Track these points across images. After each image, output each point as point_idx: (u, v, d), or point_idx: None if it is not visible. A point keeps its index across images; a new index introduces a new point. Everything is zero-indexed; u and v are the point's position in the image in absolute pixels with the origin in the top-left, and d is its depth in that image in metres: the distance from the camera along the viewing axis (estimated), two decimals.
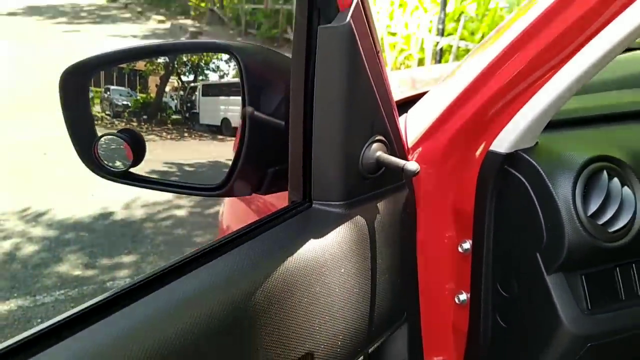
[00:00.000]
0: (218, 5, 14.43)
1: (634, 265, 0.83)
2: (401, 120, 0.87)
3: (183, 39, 9.63)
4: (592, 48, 0.65)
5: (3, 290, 2.97)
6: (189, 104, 0.85)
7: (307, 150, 0.67)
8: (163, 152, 0.89)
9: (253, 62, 0.69)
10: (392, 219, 0.75)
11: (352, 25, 0.61)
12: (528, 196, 0.77)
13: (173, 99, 0.87)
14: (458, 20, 7.12)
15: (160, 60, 0.91)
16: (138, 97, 0.89)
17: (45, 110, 6.29)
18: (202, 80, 0.87)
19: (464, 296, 0.90)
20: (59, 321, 0.45)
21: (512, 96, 0.74)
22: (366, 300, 0.69)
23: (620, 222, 0.77)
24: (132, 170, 0.82)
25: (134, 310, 0.48)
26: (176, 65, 0.89)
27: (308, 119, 0.66)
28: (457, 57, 6.67)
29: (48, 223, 3.68)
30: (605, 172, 0.77)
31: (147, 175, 0.83)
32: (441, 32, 6.78)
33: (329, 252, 0.63)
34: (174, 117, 0.87)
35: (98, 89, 0.86)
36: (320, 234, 0.63)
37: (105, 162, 0.82)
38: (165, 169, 0.89)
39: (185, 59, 0.90)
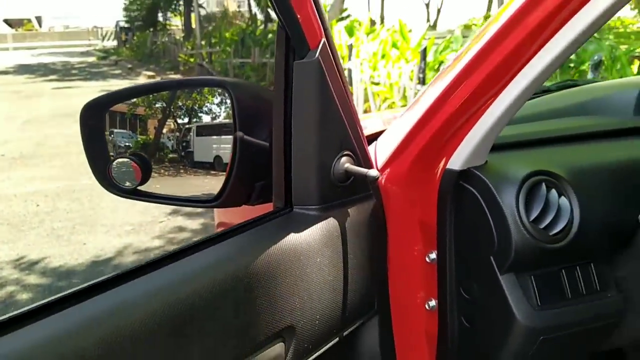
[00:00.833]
0: (207, 60, 14.86)
1: (578, 267, 0.95)
2: (372, 148, 1.00)
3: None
4: (523, 77, 0.79)
5: None
6: (184, 144, 0.97)
7: (288, 164, 0.81)
8: (162, 187, 1.00)
9: (243, 94, 0.82)
10: (361, 222, 0.87)
11: (320, 60, 0.77)
12: (480, 207, 0.90)
13: (170, 140, 0.99)
14: (437, 69, 7.42)
15: (158, 105, 1.04)
16: (138, 139, 1.01)
17: (37, 164, 6.43)
18: (196, 122, 1.00)
19: (433, 302, 1.00)
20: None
21: (462, 120, 0.87)
22: (339, 288, 0.81)
23: (558, 226, 0.89)
24: (139, 187, 0.94)
25: (132, 287, 0.60)
26: (172, 109, 1.02)
27: (288, 137, 0.80)
28: None
29: (42, 271, 3.73)
30: (543, 184, 0.90)
31: (152, 191, 0.95)
32: (422, 81, 7.05)
33: (307, 244, 0.76)
34: (170, 155, 0.99)
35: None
36: (299, 230, 0.76)
37: (117, 181, 0.93)
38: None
39: (180, 103, 1.03)
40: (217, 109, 0.96)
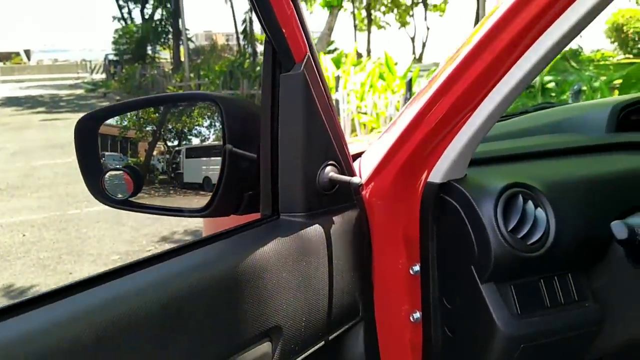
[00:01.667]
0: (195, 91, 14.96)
1: (555, 277, 0.98)
2: (356, 164, 1.04)
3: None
4: (495, 94, 0.84)
5: None
6: (174, 166, 1.00)
7: (275, 173, 0.84)
8: (152, 198, 1.03)
9: (232, 109, 0.86)
10: (346, 230, 0.90)
11: (305, 73, 0.81)
12: (460, 218, 0.93)
13: (160, 162, 1.02)
14: None
15: (148, 128, 1.07)
16: (129, 161, 1.04)
17: (24, 194, 6.40)
18: (186, 144, 1.03)
19: (417, 314, 1.03)
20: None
21: (441, 136, 0.91)
22: (325, 292, 0.84)
23: (535, 236, 0.93)
24: (130, 198, 0.96)
25: (122, 283, 0.62)
26: (162, 132, 1.05)
27: (275, 147, 0.83)
28: None
29: None
30: (520, 196, 0.94)
31: (143, 202, 0.97)
32: None
33: (293, 248, 0.78)
34: (160, 177, 1.02)
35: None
36: (286, 236, 0.79)
37: (110, 193, 0.96)
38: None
39: (170, 126, 1.06)
40: (206, 131, 0.99)
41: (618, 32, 22.22)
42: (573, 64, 9.17)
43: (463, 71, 0.84)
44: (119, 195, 0.96)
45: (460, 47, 0.88)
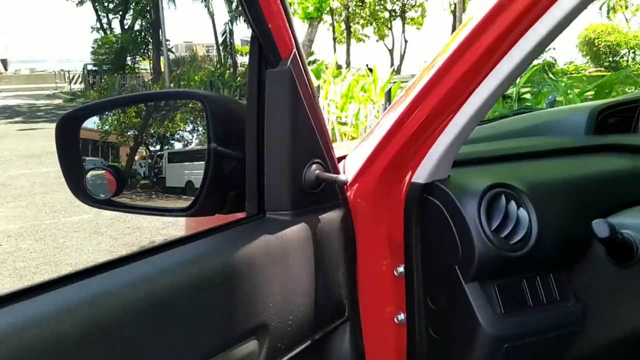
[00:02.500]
0: None
1: (538, 277, 0.99)
2: (340, 165, 1.04)
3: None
4: (476, 97, 0.86)
5: None
6: (156, 170, 1.00)
7: (260, 171, 0.84)
8: (135, 198, 1.02)
9: (217, 107, 0.86)
10: (331, 228, 0.90)
11: (291, 69, 0.81)
12: (444, 218, 0.94)
13: (142, 167, 1.01)
14: None
15: (130, 133, 1.06)
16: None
17: (0, 204, 6.27)
18: (168, 149, 1.02)
19: (402, 316, 1.03)
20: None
21: (425, 137, 0.93)
22: (311, 291, 0.83)
23: (518, 235, 0.94)
24: (113, 198, 0.95)
25: (107, 278, 0.62)
26: (145, 136, 1.04)
27: (260, 145, 0.83)
28: None
29: None
30: (503, 196, 0.95)
31: (126, 202, 0.96)
32: None
33: (279, 246, 0.78)
34: (142, 182, 1.01)
35: None
36: (272, 234, 0.79)
37: (92, 192, 0.95)
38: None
39: (152, 130, 1.06)
40: (189, 135, 0.99)
41: (590, 46, 22.78)
42: (550, 75, 9.35)
43: (444, 74, 0.86)
44: (102, 195, 0.95)
45: (439, 53, 0.90)
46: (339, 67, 14.53)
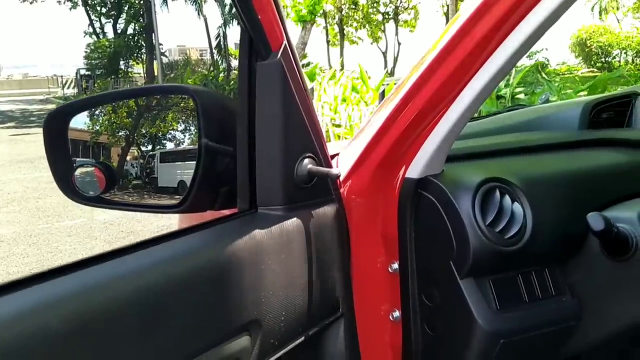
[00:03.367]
0: None
1: (533, 272, 0.99)
2: (333, 162, 1.04)
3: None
4: (469, 90, 0.85)
5: None
6: (147, 170, 0.99)
7: (252, 165, 0.83)
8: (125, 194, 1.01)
9: (208, 102, 0.85)
10: (324, 224, 0.89)
11: (282, 62, 0.80)
12: (438, 213, 0.94)
13: (133, 167, 1.00)
14: None
15: (121, 133, 1.05)
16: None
17: None
18: (160, 149, 1.01)
19: (397, 313, 1.02)
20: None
21: (418, 131, 0.92)
22: (304, 286, 0.83)
23: (513, 230, 0.93)
24: (102, 195, 0.94)
25: (97, 271, 0.61)
26: (136, 137, 1.03)
27: (252, 139, 0.82)
28: None
29: None
30: (497, 190, 0.95)
31: (116, 199, 0.95)
32: None
33: (271, 241, 0.77)
34: (134, 182, 1.00)
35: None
36: (264, 228, 0.78)
37: (81, 190, 0.93)
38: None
39: (144, 131, 1.05)
40: (180, 135, 0.98)
41: (582, 47, 22.92)
42: (544, 75, 9.39)
43: (436, 69, 0.85)
44: (91, 192, 0.93)
45: (428, 50, 0.89)
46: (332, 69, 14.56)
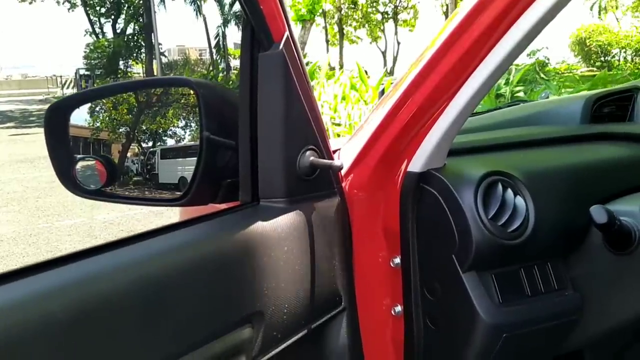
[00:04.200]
0: None
1: (535, 266, 0.99)
2: (335, 157, 1.03)
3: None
4: (471, 83, 0.85)
5: None
6: (148, 167, 0.98)
7: (254, 158, 0.82)
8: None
9: (209, 94, 0.84)
10: (327, 216, 0.89)
11: (284, 52, 0.80)
12: (440, 207, 0.93)
13: (134, 163, 1.00)
14: None
15: (122, 129, 1.05)
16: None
17: None
18: (161, 145, 1.01)
19: (399, 308, 1.02)
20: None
21: (420, 125, 0.92)
22: (307, 279, 0.82)
23: (515, 223, 0.93)
24: (103, 189, 0.94)
25: (100, 261, 0.61)
26: (137, 133, 1.03)
27: (254, 131, 0.82)
28: None
29: None
30: (500, 184, 0.94)
31: (117, 192, 0.95)
32: None
33: (273, 233, 0.77)
34: (135, 179, 1.00)
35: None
36: (266, 220, 0.77)
37: (82, 183, 0.93)
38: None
39: (145, 127, 1.04)
40: (181, 131, 0.98)
41: (581, 46, 22.92)
42: (542, 75, 9.39)
43: (436, 64, 0.85)
44: (92, 186, 0.93)
45: (428, 46, 0.89)
46: (331, 68, 14.55)
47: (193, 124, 0.93)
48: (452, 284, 0.93)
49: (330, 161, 0.85)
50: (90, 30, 29.32)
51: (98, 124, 1.00)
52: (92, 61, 28.78)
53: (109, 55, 28.00)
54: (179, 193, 0.85)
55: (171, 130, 0.99)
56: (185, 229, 0.72)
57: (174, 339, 0.63)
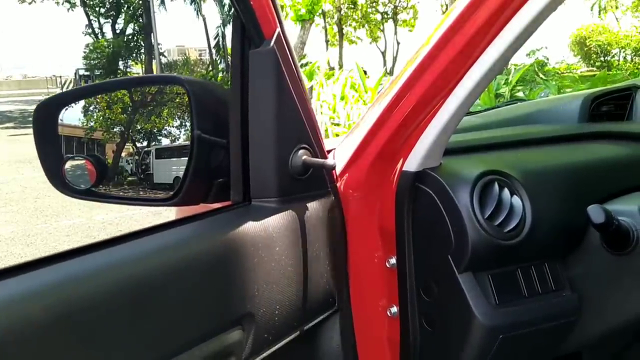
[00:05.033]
0: None
1: (532, 267, 0.97)
2: (330, 156, 1.02)
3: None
4: (466, 81, 0.84)
5: None
6: (143, 167, 0.97)
7: (245, 157, 0.81)
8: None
9: (200, 92, 0.83)
10: (320, 216, 0.88)
11: (275, 49, 0.79)
12: (436, 206, 0.92)
13: (129, 163, 0.99)
14: None
15: (116, 129, 1.04)
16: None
17: None
18: (155, 145, 1.00)
19: (394, 309, 1.01)
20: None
21: (415, 124, 0.91)
22: (299, 280, 0.81)
23: (512, 223, 0.92)
24: (93, 188, 0.92)
25: (85, 261, 0.59)
26: (131, 132, 1.02)
27: (245, 129, 0.81)
28: None
29: None
30: (496, 183, 0.93)
31: (107, 192, 0.93)
32: None
33: (265, 233, 0.76)
34: (130, 179, 0.99)
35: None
36: (257, 220, 0.76)
37: (71, 182, 0.92)
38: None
39: (138, 127, 1.03)
40: (176, 131, 0.97)
41: (581, 45, 22.90)
42: (542, 75, 9.39)
43: (431, 62, 0.84)
44: (82, 185, 0.92)
45: (423, 43, 0.88)
46: (331, 68, 14.55)
47: (188, 124, 0.92)
48: (448, 285, 0.92)
49: (323, 160, 0.84)
50: (90, 30, 29.30)
51: (88, 122, 0.99)
52: (92, 61, 28.76)
53: (108, 55, 27.98)
54: (170, 193, 0.84)
55: (166, 129, 0.98)
56: (175, 229, 0.71)
57: (161, 341, 0.61)
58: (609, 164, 1.11)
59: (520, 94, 7.62)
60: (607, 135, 1.22)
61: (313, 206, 0.87)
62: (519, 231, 0.92)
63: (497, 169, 0.95)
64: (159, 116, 1.00)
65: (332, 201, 0.91)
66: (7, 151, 10.36)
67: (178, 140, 0.95)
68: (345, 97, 8.29)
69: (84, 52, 29.04)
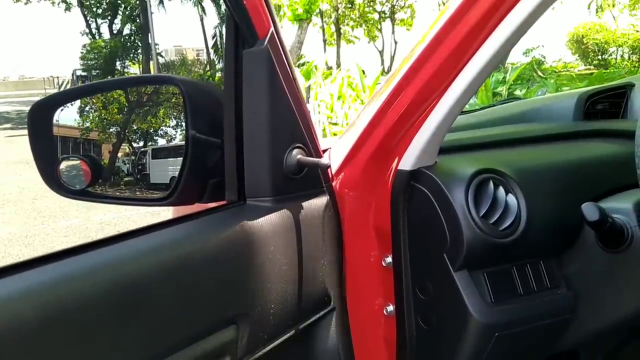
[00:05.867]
0: None
1: (528, 265, 0.98)
2: (326, 156, 1.02)
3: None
4: (457, 84, 0.84)
5: None
6: (139, 167, 0.97)
7: (240, 156, 0.81)
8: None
9: (194, 92, 0.83)
10: (315, 215, 0.88)
11: (269, 49, 0.79)
12: (431, 205, 0.92)
13: (125, 164, 0.99)
14: None
15: (112, 129, 1.04)
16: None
17: None
18: (152, 145, 1.00)
19: (390, 307, 1.01)
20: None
21: (410, 123, 0.91)
22: (294, 279, 0.81)
23: (507, 221, 0.92)
24: (88, 188, 0.92)
25: (77, 261, 0.60)
26: (127, 133, 1.02)
27: (239, 129, 0.81)
28: None
29: None
30: (491, 182, 0.94)
31: (102, 192, 0.93)
32: None
33: (260, 233, 0.76)
34: (126, 179, 0.99)
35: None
36: (252, 220, 0.76)
37: (66, 182, 0.92)
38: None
39: (135, 127, 1.03)
40: (172, 131, 0.97)
41: (578, 44, 22.92)
42: (539, 73, 9.40)
43: (426, 60, 0.84)
44: (77, 186, 0.92)
45: (417, 42, 0.89)
46: (329, 68, 14.54)
47: (184, 124, 0.92)
48: (444, 283, 0.93)
49: (317, 159, 0.84)
50: (87, 31, 29.23)
51: (84, 123, 0.99)
52: (89, 62, 28.70)
53: (105, 55, 27.92)
54: (165, 192, 0.84)
55: (162, 129, 0.98)
56: (170, 228, 0.71)
57: (156, 340, 0.62)
58: (603, 162, 1.11)
59: (517, 93, 7.63)
60: (602, 133, 1.22)
61: (308, 205, 0.87)
62: (514, 229, 0.92)
63: (492, 168, 0.95)
64: (155, 116, 1.00)
65: (327, 200, 0.91)
66: (4, 152, 10.34)
67: (174, 140, 0.95)
68: (343, 97, 8.29)
69: (81, 53, 28.98)
